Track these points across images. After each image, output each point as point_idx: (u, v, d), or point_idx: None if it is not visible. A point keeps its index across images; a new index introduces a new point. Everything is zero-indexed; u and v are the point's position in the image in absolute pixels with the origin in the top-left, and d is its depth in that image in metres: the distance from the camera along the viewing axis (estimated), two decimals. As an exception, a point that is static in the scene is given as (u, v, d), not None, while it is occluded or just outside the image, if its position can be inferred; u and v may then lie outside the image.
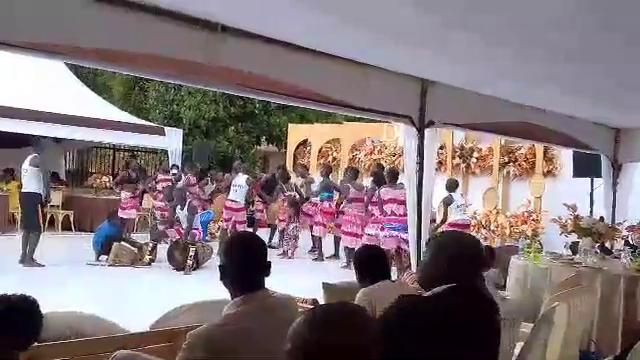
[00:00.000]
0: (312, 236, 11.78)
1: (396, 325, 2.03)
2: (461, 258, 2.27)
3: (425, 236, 5.78)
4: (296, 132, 17.89)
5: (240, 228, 11.19)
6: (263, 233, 11.77)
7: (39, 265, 9.17)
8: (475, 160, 12.72)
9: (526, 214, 11.50)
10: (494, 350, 2.23)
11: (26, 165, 9.45)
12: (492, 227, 11.60)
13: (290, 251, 11.61)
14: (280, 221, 12.10)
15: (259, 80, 3.98)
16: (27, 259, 9.22)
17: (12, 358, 2.31)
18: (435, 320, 2.09)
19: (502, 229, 11.42)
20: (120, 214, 11.93)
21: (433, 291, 2.23)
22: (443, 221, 9.35)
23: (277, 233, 12.57)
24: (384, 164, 13.74)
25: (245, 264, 2.35)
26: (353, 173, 11.17)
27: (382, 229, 9.20)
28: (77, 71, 15.29)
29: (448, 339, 2.05)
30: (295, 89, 4.26)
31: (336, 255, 11.46)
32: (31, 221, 9.42)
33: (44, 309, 2.46)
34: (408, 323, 2.05)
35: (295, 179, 12.79)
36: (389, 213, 9.18)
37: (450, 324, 2.09)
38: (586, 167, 9.17)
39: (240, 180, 11.65)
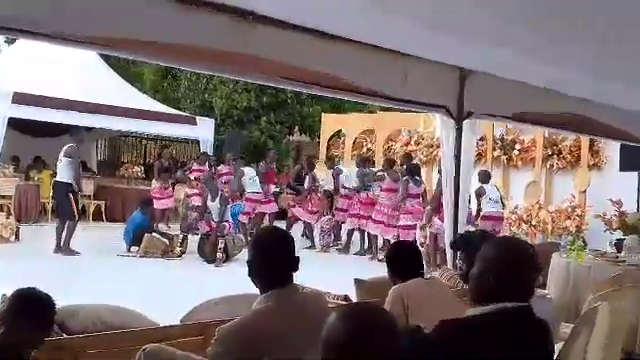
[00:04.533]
0: (347, 230, 11.60)
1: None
2: (528, 271, 2.13)
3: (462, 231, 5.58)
4: (330, 122, 17.54)
5: (266, 214, 11.48)
6: (298, 227, 11.65)
7: (76, 253, 9.24)
8: (517, 152, 12.25)
9: (570, 209, 11.03)
10: None
11: (61, 155, 9.51)
12: (534, 222, 11.14)
13: (325, 245, 11.51)
14: (313, 214, 11.85)
15: (291, 70, 3.89)
16: (64, 248, 9.30)
17: (24, 355, 2.36)
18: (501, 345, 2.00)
19: (544, 225, 10.95)
20: (156, 205, 11.82)
21: (486, 310, 2.08)
22: (477, 213, 9.06)
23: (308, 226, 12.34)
24: (421, 156, 13.49)
25: (272, 259, 2.33)
26: (389, 163, 11.25)
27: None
28: (108, 60, 15.26)
29: None
30: (328, 79, 4.14)
31: (370, 248, 11.22)
32: (64, 210, 9.50)
33: (75, 300, 2.60)
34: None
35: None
36: None
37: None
38: (634, 160, 9.03)
39: (250, 172, 11.77)
